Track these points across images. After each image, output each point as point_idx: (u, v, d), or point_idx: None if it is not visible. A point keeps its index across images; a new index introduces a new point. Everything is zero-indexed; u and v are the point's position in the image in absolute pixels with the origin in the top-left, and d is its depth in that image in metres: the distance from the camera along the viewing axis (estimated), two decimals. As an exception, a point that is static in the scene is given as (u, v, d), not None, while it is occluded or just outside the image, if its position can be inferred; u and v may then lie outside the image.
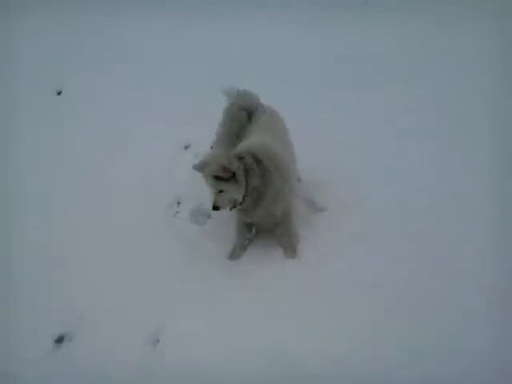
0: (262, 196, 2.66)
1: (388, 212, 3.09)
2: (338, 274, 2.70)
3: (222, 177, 2.53)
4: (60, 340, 2.52)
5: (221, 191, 2.57)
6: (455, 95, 4.22)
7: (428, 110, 4.13)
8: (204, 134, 3.63)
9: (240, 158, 2.58)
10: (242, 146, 2.74)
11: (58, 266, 2.91)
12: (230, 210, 2.69)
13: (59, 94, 4.98)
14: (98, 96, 4.72)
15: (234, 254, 2.95)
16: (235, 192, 2.58)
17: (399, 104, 4.22)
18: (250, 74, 3.81)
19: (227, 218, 3.11)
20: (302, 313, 2.52)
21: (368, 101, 4.35)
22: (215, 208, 2.60)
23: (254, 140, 2.77)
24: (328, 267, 2.74)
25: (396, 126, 3.93)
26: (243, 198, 2.63)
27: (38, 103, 4.63)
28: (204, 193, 3.23)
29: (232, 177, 2.54)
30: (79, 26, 5.82)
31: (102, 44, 5.55)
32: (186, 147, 3.93)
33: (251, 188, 2.61)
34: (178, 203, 3.37)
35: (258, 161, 2.60)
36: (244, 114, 3.04)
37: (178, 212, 3.31)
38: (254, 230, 3.00)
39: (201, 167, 2.61)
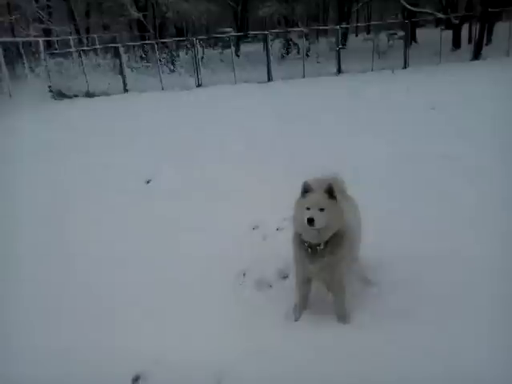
0: (339, 244, 2.92)
1: (435, 290, 3.30)
2: (386, 341, 2.88)
3: (331, 194, 2.81)
4: (136, 379, 2.83)
5: (321, 209, 2.79)
6: None
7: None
8: (271, 217, 4.31)
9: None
10: None
11: (133, 321, 3.33)
12: (318, 231, 2.83)
13: (148, 182, 6.04)
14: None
15: (295, 312, 3.21)
16: (333, 214, 2.81)
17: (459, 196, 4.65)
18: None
19: (286, 288, 3.48)
20: (353, 374, 2.69)
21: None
22: (310, 221, 2.74)
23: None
24: (377, 333, 2.95)
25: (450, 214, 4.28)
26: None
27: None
28: (266, 267, 3.76)
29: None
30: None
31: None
32: (254, 228, 4.51)
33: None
34: (244, 274, 3.78)
35: None
36: None
37: (243, 282, 3.71)
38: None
39: (311, 185, 2.88)
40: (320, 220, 2.77)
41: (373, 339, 2.89)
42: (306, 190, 2.88)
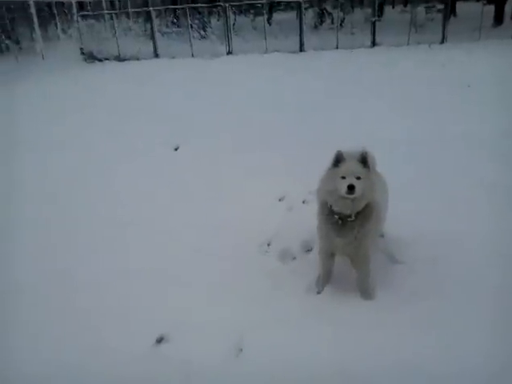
0: (368, 217, 2.91)
1: (462, 270, 3.27)
2: (408, 319, 2.88)
3: (365, 163, 2.81)
4: (159, 341, 2.88)
5: (358, 178, 2.77)
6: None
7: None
8: (297, 189, 4.30)
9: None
10: None
11: (160, 285, 3.41)
12: (352, 200, 2.81)
13: (176, 149, 6.12)
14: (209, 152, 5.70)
15: (319, 284, 3.24)
16: (368, 184, 2.80)
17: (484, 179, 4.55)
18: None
19: (310, 261, 3.49)
20: (370, 346, 2.71)
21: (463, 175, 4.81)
22: (351, 188, 2.72)
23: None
24: (400, 311, 2.94)
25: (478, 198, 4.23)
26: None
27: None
28: (291, 239, 3.77)
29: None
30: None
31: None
32: (281, 199, 4.53)
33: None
34: (269, 244, 3.81)
35: None
36: None
37: (267, 251, 3.74)
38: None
39: (344, 154, 2.86)
40: (358, 187, 2.74)
41: (394, 317, 2.89)
42: (339, 159, 2.84)
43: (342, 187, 2.74)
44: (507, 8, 21.76)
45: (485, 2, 18.63)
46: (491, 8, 20.66)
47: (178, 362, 2.65)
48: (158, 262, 3.64)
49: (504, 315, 2.84)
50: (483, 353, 2.56)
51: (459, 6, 27.85)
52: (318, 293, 3.20)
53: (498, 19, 20.92)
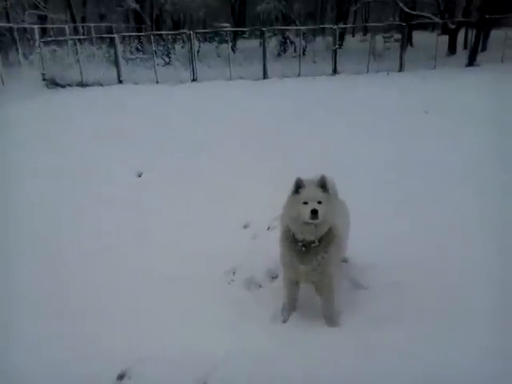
0: (331, 241, 2.93)
1: (424, 296, 3.32)
2: (373, 345, 2.89)
3: (325, 188, 2.85)
4: (121, 377, 2.79)
5: (319, 202, 2.79)
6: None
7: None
8: (262, 215, 4.33)
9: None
10: None
11: (119, 314, 3.32)
12: (315, 226, 2.82)
13: (140, 176, 6.15)
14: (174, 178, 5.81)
15: (284, 313, 3.22)
16: (329, 208, 2.83)
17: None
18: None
19: (275, 289, 3.48)
20: (336, 373, 2.70)
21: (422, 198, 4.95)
22: (315, 212, 2.74)
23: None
24: (365, 337, 2.95)
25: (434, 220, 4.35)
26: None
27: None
28: (256, 267, 3.76)
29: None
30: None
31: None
32: (245, 226, 4.54)
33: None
34: (234, 273, 3.79)
35: None
36: None
37: (233, 280, 3.72)
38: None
39: (304, 180, 2.90)
40: (321, 212, 2.77)
41: (360, 344, 2.90)
42: (299, 185, 2.88)
43: (305, 212, 2.77)
44: (459, 38, 22.91)
45: (439, 32, 19.59)
46: (445, 38, 21.71)
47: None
48: (117, 293, 3.54)
49: (465, 339, 2.90)
50: (445, 377, 2.60)
51: (415, 36, 29.15)
52: (284, 321, 3.19)
53: (452, 49, 21.99)
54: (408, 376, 2.63)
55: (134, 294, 3.53)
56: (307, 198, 2.81)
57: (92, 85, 15.46)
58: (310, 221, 2.79)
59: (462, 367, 2.65)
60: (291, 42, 22.27)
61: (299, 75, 16.47)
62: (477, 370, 2.62)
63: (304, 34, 19.62)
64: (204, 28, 21.05)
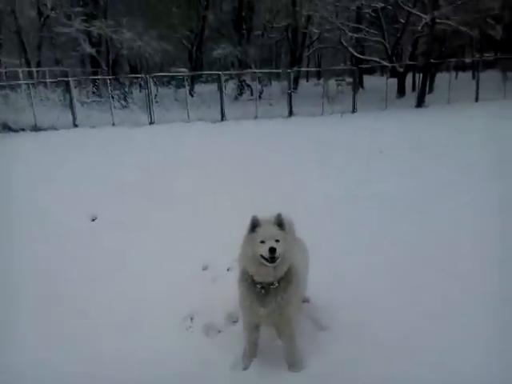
0: (290, 282, 2.84)
1: (388, 335, 3.27)
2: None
3: (282, 226, 2.77)
4: None
5: (277, 241, 2.70)
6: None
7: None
8: (221, 256, 4.23)
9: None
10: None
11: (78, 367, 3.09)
12: (274, 268, 2.74)
13: (94, 220, 5.94)
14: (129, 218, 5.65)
15: (244, 360, 3.07)
16: (287, 246, 2.75)
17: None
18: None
19: (236, 334, 3.34)
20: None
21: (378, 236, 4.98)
22: (273, 251, 2.65)
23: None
24: (328, 381, 2.86)
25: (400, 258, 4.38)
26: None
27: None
28: (215, 311, 3.62)
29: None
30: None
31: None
32: (204, 268, 4.40)
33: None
34: (192, 318, 3.62)
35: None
36: None
37: (190, 326, 3.55)
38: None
39: (260, 219, 2.82)
40: (279, 250, 2.68)
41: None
42: (256, 224, 2.80)
43: (263, 251, 2.68)
44: (408, 81, 24.11)
45: (388, 76, 20.56)
46: (394, 81, 22.80)
47: None
48: (67, 338, 3.35)
49: (434, 375, 2.85)
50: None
51: (366, 80, 30.52)
52: (245, 369, 3.04)
53: (401, 91, 23.08)
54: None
55: (88, 345, 3.30)
56: (264, 236, 2.73)
57: (46, 129, 15.14)
58: (269, 264, 2.70)
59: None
60: (248, 86, 22.78)
61: (256, 117, 16.76)
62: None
63: (260, 77, 20.11)
64: (161, 72, 21.21)
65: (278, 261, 2.71)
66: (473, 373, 2.85)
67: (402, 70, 23.19)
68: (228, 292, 3.56)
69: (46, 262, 4.68)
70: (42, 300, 3.92)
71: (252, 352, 3.10)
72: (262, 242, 2.72)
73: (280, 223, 2.82)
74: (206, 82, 27.46)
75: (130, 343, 3.30)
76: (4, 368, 3.10)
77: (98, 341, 3.34)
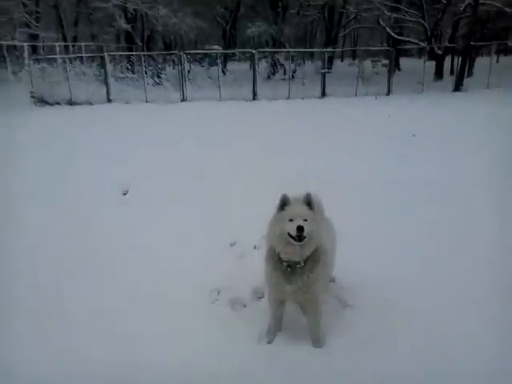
0: (317, 261, 2.86)
1: (413, 314, 3.27)
2: (359, 365, 2.82)
3: (311, 205, 2.79)
4: None
5: (305, 220, 2.72)
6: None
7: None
8: (248, 234, 4.26)
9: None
10: None
11: (105, 335, 3.21)
12: (301, 247, 2.76)
13: (125, 194, 6.09)
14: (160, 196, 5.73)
15: (269, 334, 3.13)
16: (315, 226, 2.75)
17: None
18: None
19: (261, 309, 3.39)
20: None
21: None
22: (300, 229, 2.67)
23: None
24: (351, 357, 2.88)
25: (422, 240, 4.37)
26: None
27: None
28: (241, 286, 3.68)
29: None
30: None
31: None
32: (232, 245, 4.46)
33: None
34: (219, 292, 3.69)
35: None
36: None
37: (217, 299, 3.62)
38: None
39: (290, 197, 2.83)
40: (307, 229, 2.69)
41: (346, 365, 2.83)
42: (285, 202, 2.82)
43: (291, 229, 2.70)
44: (446, 64, 23.39)
45: (426, 58, 19.98)
46: (432, 64, 22.15)
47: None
48: (103, 309, 3.45)
49: (455, 358, 2.84)
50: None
51: (403, 62, 29.75)
52: (269, 343, 3.10)
53: (439, 74, 22.41)
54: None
55: (116, 312, 3.42)
56: (293, 215, 2.74)
57: (81, 103, 15.43)
58: (297, 243, 2.72)
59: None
60: (281, 65, 22.56)
61: (288, 97, 16.61)
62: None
63: (293, 57, 19.89)
64: (195, 49, 21.24)
65: (305, 240, 2.72)
66: (497, 360, 2.82)
67: (440, 52, 22.51)
68: (254, 268, 3.60)
69: (77, 235, 4.82)
70: (72, 269, 4.08)
71: (277, 327, 3.16)
72: (291, 220, 2.73)
73: (309, 202, 2.83)
74: (239, 60, 27.37)
75: (157, 314, 3.40)
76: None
77: (124, 312, 3.44)
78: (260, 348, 3.06)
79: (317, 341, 3.03)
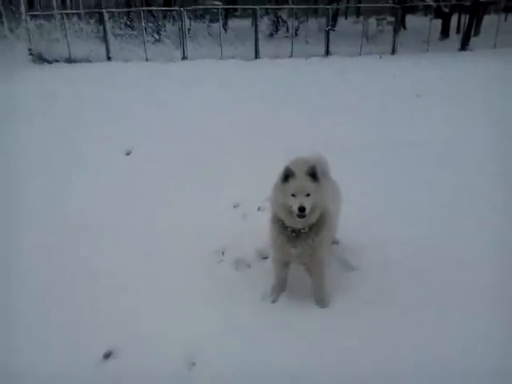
0: (321, 226, 2.89)
1: (414, 274, 3.34)
2: (362, 325, 2.90)
3: (314, 177, 2.75)
4: (107, 356, 2.71)
5: (308, 195, 2.72)
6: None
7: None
8: (252, 195, 4.28)
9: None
10: None
11: (107, 294, 3.27)
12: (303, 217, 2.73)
13: (128, 154, 6.05)
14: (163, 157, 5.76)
15: (273, 294, 3.20)
16: (318, 200, 2.75)
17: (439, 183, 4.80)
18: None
19: (265, 269, 3.45)
20: (325, 353, 2.70)
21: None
22: (302, 210, 2.68)
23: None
24: (354, 318, 2.96)
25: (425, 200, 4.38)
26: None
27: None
28: (246, 247, 3.72)
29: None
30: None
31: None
32: (235, 206, 4.49)
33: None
34: (223, 252, 3.74)
35: None
36: None
37: (222, 259, 3.67)
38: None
39: (296, 165, 2.79)
40: (309, 206, 2.70)
41: (350, 324, 2.90)
42: (289, 174, 2.76)
43: (293, 205, 2.71)
44: (453, 22, 22.78)
45: (432, 16, 19.44)
46: (438, 22, 21.58)
47: (127, 379, 2.55)
48: (106, 269, 3.51)
49: (455, 318, 2.91)
50: (438, 358, 2.61)
51: (408, 20, 28.93)
52: (273, 302, 3.16)
53: (445, 33, 21.87)
54: (397, 357, 2.63)
55: (121, 271, 3.48)
56: (295, 190, 2.72)
57: (80, 61, 15.13)
58: (298, 219, 2.74)
59: (454, 348, 2.66)
60: (284, 22, 21.96)
61: (291, 56, 16.29)
62: (468, 353, 2.63)
63: (297, 14, 19.36)
64: (195, 5, 20.64)
65: (305, 218, 2.75)
66: (495, 319, 2.89)
67: (447, 10, 21.85)
68: (258, 230, 3.64)
69: (82, 194, 4.86)
70: (75, 228, 4.13)
71: (280, 287, 3.22)
72: (293, 195, 2.73)
73: (313, 174, 2.78)
74: (241, 16, 26.60)
75: (161, 272, 3.47)
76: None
77: (127, 272, 3.50)
78: (264, 307, 3.13)
79: (321, 301, 3.10)
